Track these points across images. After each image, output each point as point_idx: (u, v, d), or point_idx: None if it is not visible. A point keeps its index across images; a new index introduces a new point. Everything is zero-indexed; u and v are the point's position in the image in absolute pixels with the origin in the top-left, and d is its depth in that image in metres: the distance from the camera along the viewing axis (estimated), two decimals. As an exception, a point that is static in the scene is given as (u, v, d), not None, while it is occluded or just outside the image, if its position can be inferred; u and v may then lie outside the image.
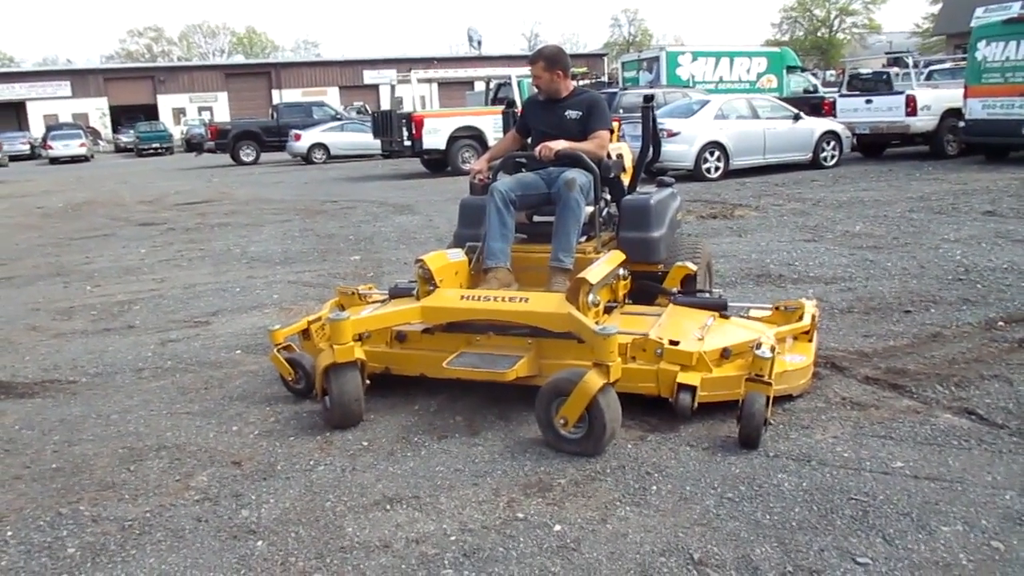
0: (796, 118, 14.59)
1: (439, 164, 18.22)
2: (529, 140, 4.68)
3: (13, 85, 50.70)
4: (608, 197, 4.55)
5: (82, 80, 51.61)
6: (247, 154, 26.49)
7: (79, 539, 2.77)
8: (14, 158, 37.82)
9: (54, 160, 35.73)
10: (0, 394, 4.37)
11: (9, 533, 2.83)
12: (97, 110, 51.31)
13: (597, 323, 3.48)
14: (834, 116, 15.93)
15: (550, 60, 4.43)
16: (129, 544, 2.72)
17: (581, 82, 24.76)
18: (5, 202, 16.88)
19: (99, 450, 3.53)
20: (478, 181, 4.63)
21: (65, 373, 4.71)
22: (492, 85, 20.43)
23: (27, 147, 40.48)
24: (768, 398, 3.21)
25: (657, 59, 24.44)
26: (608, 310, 3.92)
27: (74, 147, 36.37)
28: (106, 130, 50.52)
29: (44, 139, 38.30)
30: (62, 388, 4.44)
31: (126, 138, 43.97)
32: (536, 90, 4.62)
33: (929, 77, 18.59)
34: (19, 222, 13.15)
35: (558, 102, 4.48)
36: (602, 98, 4.57)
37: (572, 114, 4.41)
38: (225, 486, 3.12)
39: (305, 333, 4.23)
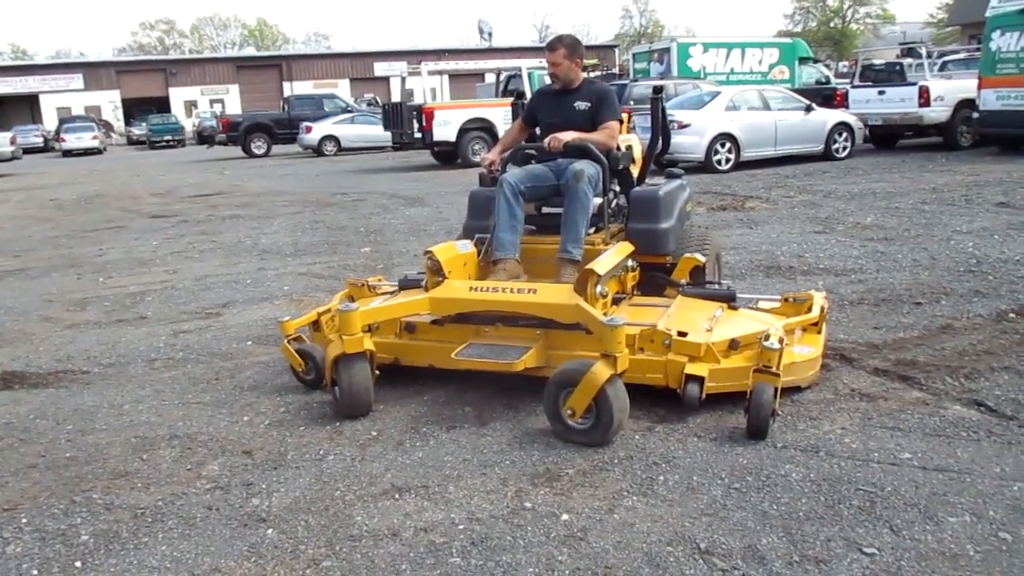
0: (808, 109, 14.49)
1: (449, 156, 18.21)
2: (537, 131, 4.68)
3: (26, 78, 51.01)
4: (617, 188, 4.55)
5: (94, 73, 51.82)
6: (258, 146, 26.47)
7: (92, 527, 2.81)
8: (28, 151, 37.99)
9: (67, 153, 35.89)
10: (15, 384, 4.42)
11: (24, 520, 2.87)
12: (109, 103, 51.55)
13: (605, 314, 3.49)
14: (846, 107, 15.81)
15: (571, 47, 4.43)
16: (141, 532, 2.76)
17: (592, 74, 24.67)
18: (19, 194, 17.00)
19: (112, 439, 3.57)
20: (488, 172, 4.64)
21: (78, 363, 4.75)
22: (502, 77, 20.38)
23: (40, 140, 40.69)
24: (776, 389, 3.21)
25: (668, 50, 24.24)
26: (616, 301, 3.93)
27: (87, 140, 36.55)
28: (118, 123, 50.71)
29: (57, 132, 38.49)
30: (76, 378, 4.49)
31: (138, 130, 44.10)
32: (551, 79, 4.61)
33: (943, 68, 18.37)
34: (33, 214, 13.24)
35: (567, 93, 4.48)
36: (611, 89, 4.57)
37: (581, 105, 4.41)
38: (236, 475, 3.15)
39: (315, 324, 4.25)
